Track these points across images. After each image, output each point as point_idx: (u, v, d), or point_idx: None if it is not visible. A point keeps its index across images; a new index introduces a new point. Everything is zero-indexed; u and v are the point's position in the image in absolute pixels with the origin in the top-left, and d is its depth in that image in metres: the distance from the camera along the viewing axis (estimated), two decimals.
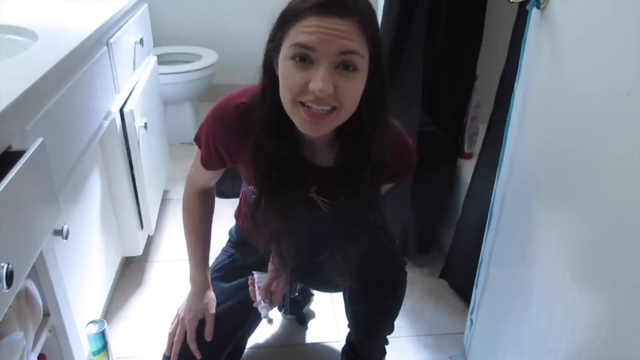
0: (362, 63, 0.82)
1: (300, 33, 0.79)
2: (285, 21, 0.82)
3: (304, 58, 0.80)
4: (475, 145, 1.76)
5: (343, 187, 0.99)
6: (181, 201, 1.20)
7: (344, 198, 1.00)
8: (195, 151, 1.11)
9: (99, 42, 1.34)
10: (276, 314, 1.59)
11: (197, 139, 1.06)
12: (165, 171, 2.09)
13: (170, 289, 1.70)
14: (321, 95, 0.79)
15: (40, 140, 0.85)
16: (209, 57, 2.62)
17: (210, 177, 1.15)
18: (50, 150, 0.91)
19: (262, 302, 1.14)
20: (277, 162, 0.94)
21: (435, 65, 1.62)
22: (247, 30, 2.99)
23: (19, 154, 0.81)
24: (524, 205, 1.10)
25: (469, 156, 1.78)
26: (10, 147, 0.86)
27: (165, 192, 2.13)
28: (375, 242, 1.08)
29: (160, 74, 2.19)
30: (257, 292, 1.16)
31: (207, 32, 2.99)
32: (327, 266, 1.08)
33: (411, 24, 1.48)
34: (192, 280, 1.21)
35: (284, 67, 0.82)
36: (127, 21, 1.61)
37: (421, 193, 1.68)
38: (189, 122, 2.68)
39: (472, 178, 1.56)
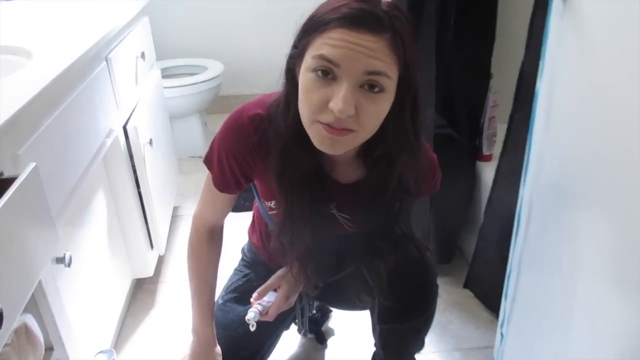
0: (390, 84, 0.75)
1: (326, 45, 0.73)
2: (311, 29, 0.76)
3: (327, 73, 0.74)
4: (494, 146, 1.69)
5: (365, 205, 0.93)
6: (192, 217, 1.11)
7: (367, 215, 0.94)
8: (203, 184, 1.04)
9: (97, 57, 1.29)
10: (295, 334, 1.52)
11: (208, 160, 0.98)
12: (174, 187, 2.04)
13: (183, 309, 1.63)
14: (341, 117, 0.73)
15: (32, 165, 0.80)
16: (214, 68, 2.57)
17: (222, 209, 1.06)
18: (47, 174, 0.86)
19: (252, 306, 1.06)
20: (303, 174, 0.88)
21: (448, 65, 1.56)
22: (252, 40, 2.96)
23: (10, 181, 0.75)
24: (556, 210, 1.02)
25: (488, 158, 1.70)
26: (1, 173, 0.81)
27: (175, 209, 2.08)
28: (404, 254, 1.01)
29: (166, 87, 2.15)
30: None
31: (211, 43, 2.94)
32: (351, 285, 1.01)
33: (421, 21, 1.42)
34: (196, 333, 1.10)
35: (305, 79, 0.77)
36: (126, 35, 1.56)
37: (440, 199, 1.61)
38: (197, 135, 2.63)
39: (494, 182, 1.48)
